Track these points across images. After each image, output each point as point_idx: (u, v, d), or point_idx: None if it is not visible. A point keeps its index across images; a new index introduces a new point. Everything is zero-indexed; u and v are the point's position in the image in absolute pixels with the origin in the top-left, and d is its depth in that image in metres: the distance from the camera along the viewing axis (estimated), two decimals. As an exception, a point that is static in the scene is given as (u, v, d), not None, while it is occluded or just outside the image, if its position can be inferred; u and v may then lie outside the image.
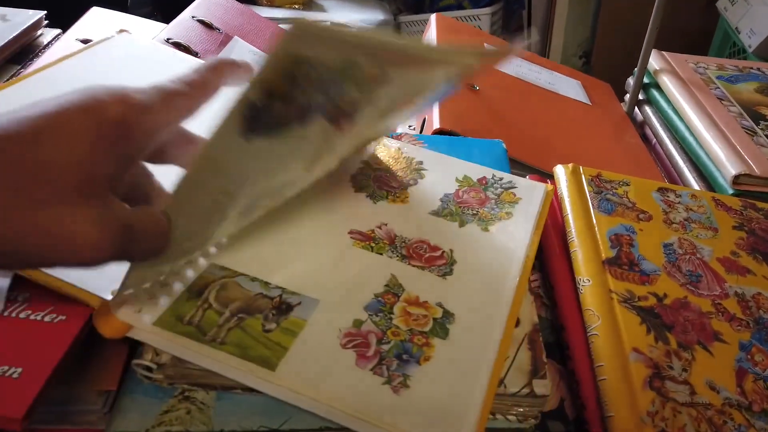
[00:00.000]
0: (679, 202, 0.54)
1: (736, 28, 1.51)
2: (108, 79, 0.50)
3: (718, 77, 0.81)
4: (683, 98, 0.75)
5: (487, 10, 1.92)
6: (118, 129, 0.27)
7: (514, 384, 0.36)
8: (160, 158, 0.34)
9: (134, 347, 0.40)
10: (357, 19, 1.76)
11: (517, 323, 0.39)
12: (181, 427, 0.35)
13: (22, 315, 0.35)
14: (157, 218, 0.31)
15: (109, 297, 0.35)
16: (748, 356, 0.41)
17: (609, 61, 2.04)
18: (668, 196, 0.54)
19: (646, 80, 0.86)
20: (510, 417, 0.37)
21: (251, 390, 0.37)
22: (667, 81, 0.80)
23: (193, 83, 0.32)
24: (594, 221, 0.50)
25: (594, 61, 2.10)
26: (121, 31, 0.59)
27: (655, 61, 0.85)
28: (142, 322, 0.34)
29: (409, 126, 0.79)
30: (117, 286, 0.34)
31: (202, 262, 0.39)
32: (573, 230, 0.49)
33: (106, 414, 0.39)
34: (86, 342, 0.37)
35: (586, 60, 2.15)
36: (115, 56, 0.55)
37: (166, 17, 1.58)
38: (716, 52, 1.78)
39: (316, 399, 0.33)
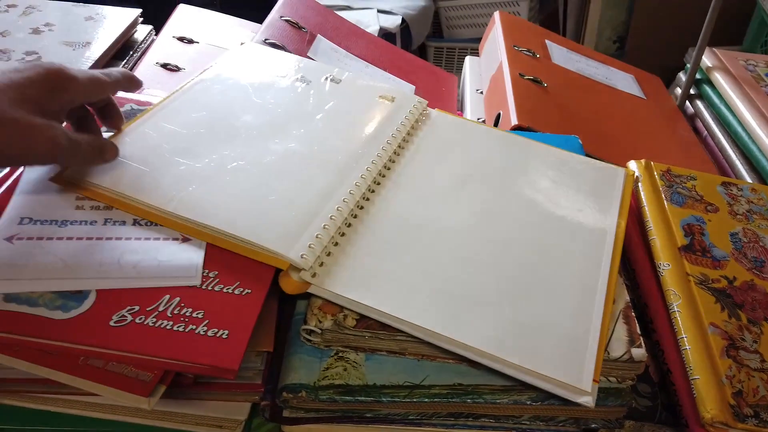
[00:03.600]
0: (741, 195, 0.60)
1: (775, 17, 1.55)
2: (253, 87, 0.58)
3: (767, 74, 0.86)
4: (735, 95, 0.81)
5: (526, -5, 1.95)
6: (49, 81, 0.43)
7: (616, 351, 0.43)
8: (84, 123, 0.50)
9: (282, 316, 0.48)
10: (398, 6, 1.81)
11: (613, 301, 0.47)
12: (342, 381, 0.43)
13: (216, 288, 0.43)
14: (99, 141, 0.48)
15: (292, 257, 0.44)
16: (808, 331, 0.48)
17: (643, 46, 2.07)
18: (731, 190, 0.61)
19: (697, 76, 0.91)
20: (611, 378, 0.44)
21: (395, 352, 0.45)
22: (719, 78, 0.86)
23: (111, 79, 0.48)
24: (668, 212, 0.57)
25: (628, 47, 2.13)
26: (242, 44, 0.66)
27: (706, 58, 0.91)
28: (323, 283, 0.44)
29: (478, 119, 0.86)
30: (302, 251, 0.44)
31: (355, 231, 0.48)
32: (650, 220, 0.56)
33: (261, 371, 0.47)
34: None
35: (621, 45, 2.19)
36: (250, 68, 0.63)
37: (226, 2, 1.65)
38: (751, 39, 1.81)
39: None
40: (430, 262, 0.47)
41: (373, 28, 1.58)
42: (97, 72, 0.48)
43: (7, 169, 0.50)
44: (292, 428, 0.47)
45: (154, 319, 0.40)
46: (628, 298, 0.48)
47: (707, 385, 0.43)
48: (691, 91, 0.93)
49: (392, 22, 1.69)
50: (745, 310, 0.49)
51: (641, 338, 0.45)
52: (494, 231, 0.51)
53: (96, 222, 0.46)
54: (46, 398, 0.46)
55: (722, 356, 0.45)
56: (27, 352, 0.39)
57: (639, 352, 0.44)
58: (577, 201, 0.55)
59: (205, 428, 0.47)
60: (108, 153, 0.48)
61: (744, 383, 0.43)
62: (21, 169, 0.49)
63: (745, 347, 0.46)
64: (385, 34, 1.65)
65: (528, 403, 0.43)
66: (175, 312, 0.41)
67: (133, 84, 0.52)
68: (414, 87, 0.89)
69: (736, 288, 0.50)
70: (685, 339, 0.46)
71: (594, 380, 0.42)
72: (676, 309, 0.49)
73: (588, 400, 0.41)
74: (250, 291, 0.43)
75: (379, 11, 1.72)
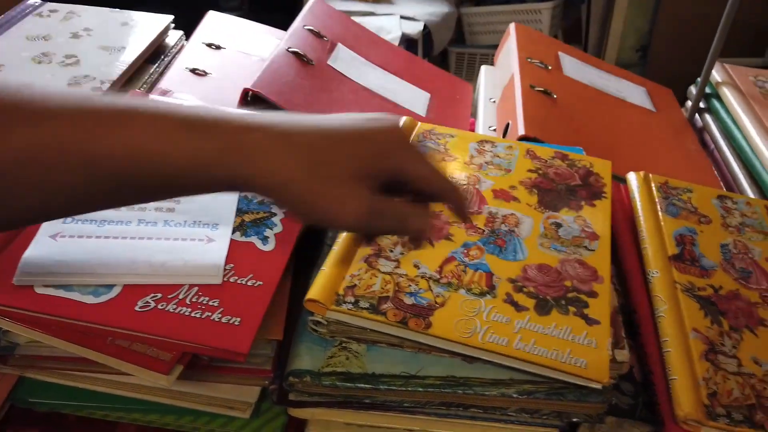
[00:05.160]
0: (735, 209, 0.63)
1: (797, 31, 1.55)
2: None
3: (776, 90, 0.88)
4: (742, 110, 0.83)
5: (549, 4, 1.98)
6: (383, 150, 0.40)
7: (600, 350, 0.46)
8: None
9: (293, 306, 0.52)
10: (421, 12, 1.85)
11: (600, 304, 0.50)
12: (344, 368, 0.47)
13: (231, 279, 0.47)
14: (406, 209, 0.42)
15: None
16: (788, 340, 0.51)
17: (665, 55, 2.07)
18: (726, 203, 0.63)
19: (707, 90, 0.93)
20: (594, 375, 0.47)
21: (393, 345, 0.49)
22: (727, 93, 0.88)
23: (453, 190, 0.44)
24: (662, 223, 0.59)
25: (651, 56, 2.13)
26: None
27: (717, 73, 0.93)
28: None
29: (489, 127, 0.89)
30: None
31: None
32: (644, 230, 0.59)
33: (271, 358, 0.51)
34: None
35: (643, 54, 2.19)
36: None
37: (253, 9, 1.71)
38: (775, 51, 1.81)
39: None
40: None
41: (395, 34, 1.62)
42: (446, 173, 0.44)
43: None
44: (297, 411, 0.51)
45: (175, 306, 0.44)
46: (616, 303, 0.51)
47: (684, 386, 0.46)
48: (702, 105, 0.95)
49: (414, 28, 1.73)
50: (728, 317, 0.51)
51: (625, 340, 0.48)
52: None
53: (131, 222, 0.50)
54: (75, 375, 0.51)
55: (701, 359, 0.48)
56: (62, 331, 0.44)
57: (622, 354, 0.47)
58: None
59: (218, 409, 0.51)
60: (420, 237, 0.46)
61: (719, 385, 0.46)
62: None
63: (724, 352, 0.49)
64: (408, 40, 1.69)
65: (514, 396, 0.46)
66: (194, 300, 0.45)
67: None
68: (429, 95, 0.93)
69: (721, 296, 0.53)
70: (667, 342, 0.49)
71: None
72: (661, 314, 0.51)
73: (598, 385, 0.44)
74: (261, 283, 0.47)
75: (401, 17, 1.76)
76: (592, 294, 0.49)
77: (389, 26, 1.68)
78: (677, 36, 2.05)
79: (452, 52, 2.14)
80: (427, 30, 1.82)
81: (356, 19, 1.73)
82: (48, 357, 0.50)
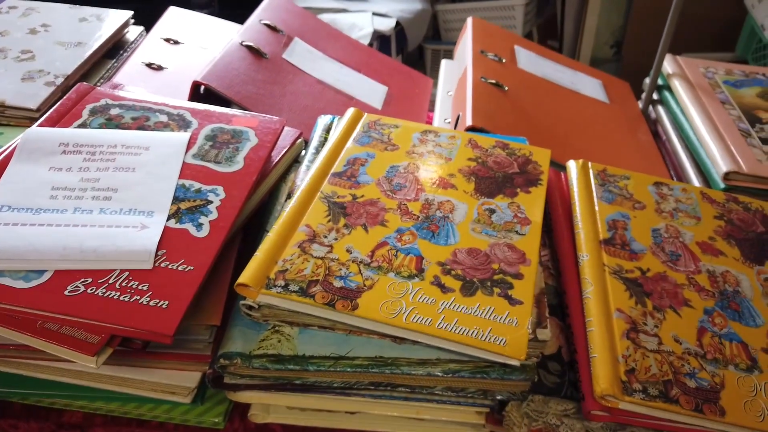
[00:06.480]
0: (671, 195, 0.64)
1: (762, 25, 1.58)
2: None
3: (724, 82, 0.90)
4: (690, 101, 0.85)
5: (522, 0, 1.99)
6: None
7: (522, 330, 0.48)
8: None
9: (232, 293, 0.53)
10: (394, 9, 1.86)
11: (528, 286, 0.51)
12: (275, 351, 0.48)
13: (162, 264, 0.48)
14: None
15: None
16: (710, 319, 0.52)
17: (639, 51, 2.09)
18: (662, 189, 0.65)
19: (660, 82, 0.95)
20: (518, 354, 0.48)
21: (325, 327, 0.50)
22: (677, 84, 0.89)
23: None
24: (596, 208, 0.61)
25: (625, 51, 2.15)
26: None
27: (669, 65, 0.94)
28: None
29: (445, 119, 0.91)
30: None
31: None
32: (578, 215, 0.60)
33: (210, 344, 0.52)
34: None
35: (617, 49, 2.21)
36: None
37: (224, 6, 1.71)
38: (743, 46, 1.84)
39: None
40: None
41: (367, 31, 1.63)
42: None
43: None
44: (236, 395, 0.52)
45: (104, 290, 0.45)
46: (543, 284, 0.52)
47: (603, 363, 0.47)
48: (655, 97, 0.97)
49: (387, 25, 1.74)
50: (653, 298, 0.53)
51: (548, 320, 0.49)
52: None
53: (66, 210, 0.51)
54: (20, 363, 0.52)
55: (622, 338, 0.49)
56: (-6, 316, 0.45)
57: (544, 332, 0.48)
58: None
59: (160, 394, 0.52)
60: None
61: (638, 362, 0.48)
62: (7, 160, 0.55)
63: (645, 331, 0.50)
64: (380, 37, 1.70)
65: (440, 374, 0.47)
66: (123, 284, 0.46)
67: None
68: (387, 88, 0.94)
69: (647, 278, 0.55)
70: (591, 321, 0.51)
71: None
72: (587, 295, 0.53)
73: (516, 362, 0.45)
74: (192, 268, 0.48)
75: (374, 14, 1.77)
76: (518, 276, 0.51)
77: (361, 23, 1.69)
78: (650, 31, 2.07)
79: (428, 49, 2.15)
80: (399, 27, 1.83)
81: (328, 15, 1.74)
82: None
